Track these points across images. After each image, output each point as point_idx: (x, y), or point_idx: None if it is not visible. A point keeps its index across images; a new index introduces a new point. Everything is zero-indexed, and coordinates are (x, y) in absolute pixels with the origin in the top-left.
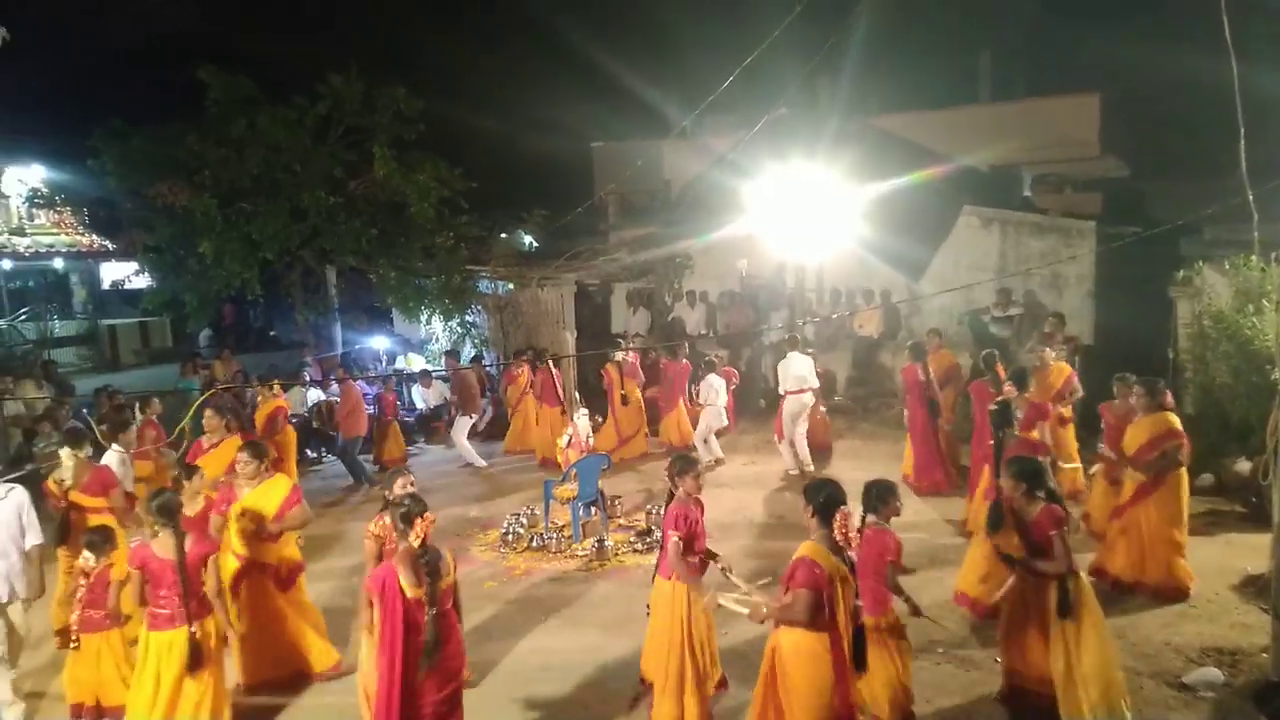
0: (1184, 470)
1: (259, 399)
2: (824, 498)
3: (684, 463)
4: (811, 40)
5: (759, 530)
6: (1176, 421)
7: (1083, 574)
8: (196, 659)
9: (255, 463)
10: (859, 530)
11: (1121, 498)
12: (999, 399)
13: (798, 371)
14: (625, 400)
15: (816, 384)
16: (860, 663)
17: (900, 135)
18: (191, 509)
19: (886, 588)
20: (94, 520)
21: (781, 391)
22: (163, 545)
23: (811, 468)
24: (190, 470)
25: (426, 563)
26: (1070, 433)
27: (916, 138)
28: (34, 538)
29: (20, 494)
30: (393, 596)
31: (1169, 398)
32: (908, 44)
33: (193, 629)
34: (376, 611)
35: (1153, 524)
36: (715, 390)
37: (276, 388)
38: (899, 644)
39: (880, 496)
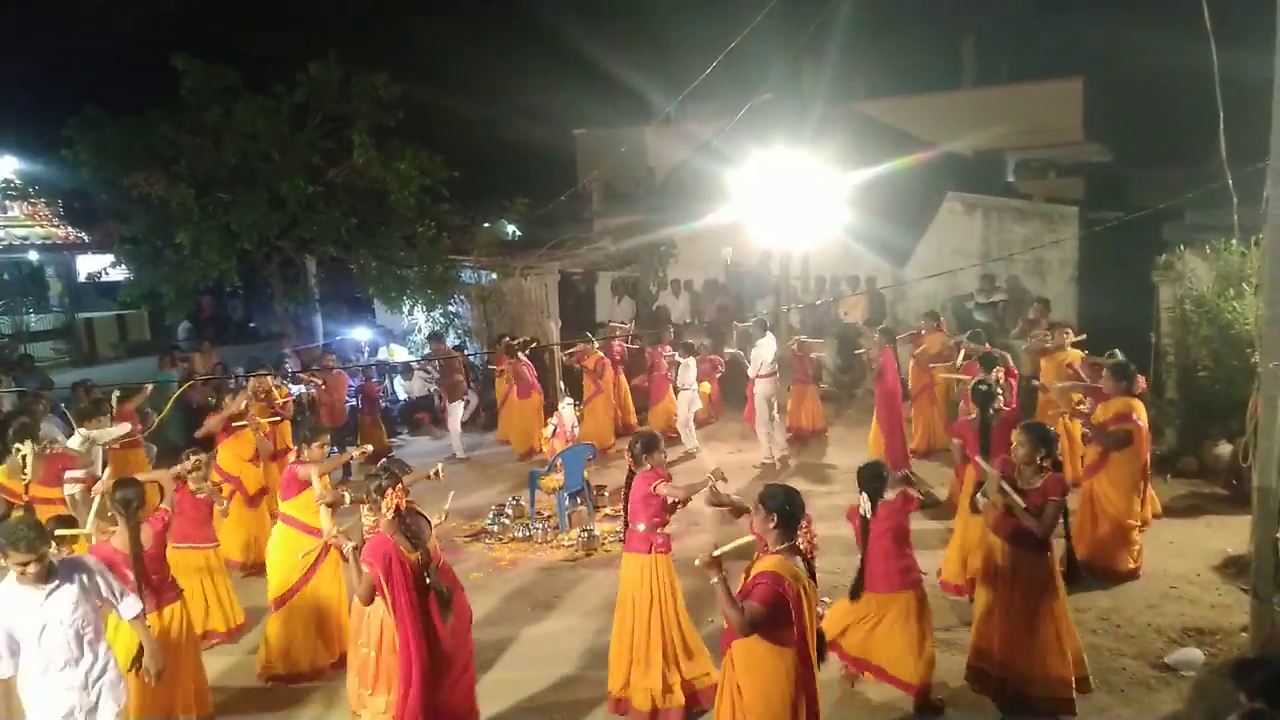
0: (1137, 453)
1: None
2: (787, 506)
3: (647, 440)
4: (795, 26)
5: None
6: (1137, 408)
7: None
8: (154, 653)
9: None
10: (870, 515)
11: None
12: (981, 378)
13: (768, 354)
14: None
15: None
16: (820, 657)
17: (884, 121)
18: (200, 491)
19: (908, 554)
20: (49, 512)
21: (751, 375)
22: (121, 541)
23: (787, 453)
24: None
25: (408, 528)
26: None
27: (900, 123)
28: (131, 605)
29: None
30: (400, 564)
31: (1139, 384)
32: (891, 29)
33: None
34: (385, 584)
35: (1102, 503)
36: (688, 373)
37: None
38: (926, 614)
39: (875, 476)
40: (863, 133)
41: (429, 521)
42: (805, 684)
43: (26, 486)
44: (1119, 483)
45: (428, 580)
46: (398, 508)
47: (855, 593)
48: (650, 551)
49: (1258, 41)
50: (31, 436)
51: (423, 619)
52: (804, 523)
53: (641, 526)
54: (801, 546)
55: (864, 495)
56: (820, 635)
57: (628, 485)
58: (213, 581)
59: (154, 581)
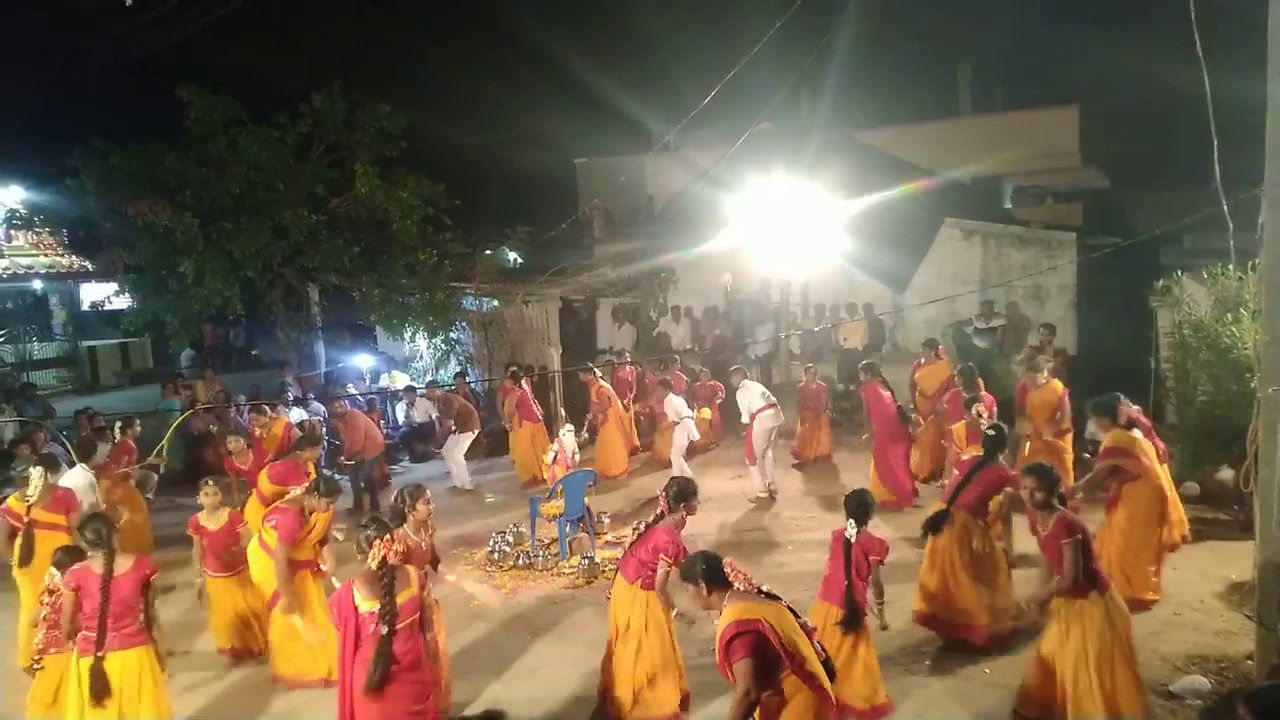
0: (1152, 487)
1: (254, 426)
2: (703, 566)
3: (684, 491)
4: (794, 55)
5: (743, 547)
6: (1124, 440)
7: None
8: (98, 687)
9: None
10: (854, 538)
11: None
12: (995, 423)
13: (757, 393)
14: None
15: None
16: (830, 674)
17: (882, 149)
18: (214, 522)
19: (866, 590)
20: (50, 538)
21: (747, 418)
22: (99, 567)
23: (775, 490)
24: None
25: (384, 580)
26: (1069, 446)
27: (898, 151)
28: None
29: None
30: (345, 611)
31: (1122, 413)
32: (888, 58)
33: (100, 655)
34: (335, 624)
35: (1120, 535)
36: (676, 407)
37: (269, 411)
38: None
39: (862, 504)
40: (861, 160)
41: (417, 577)
42: (822, 698)
43: (29, 509)
44: (1136, 515)
45: (381, 634)
46: (384, 559)
47: (855, 623)
48: (643, 586)
49: (1251, 67)
50: (55, 469)
51: (356, 667)
52: (726, 566)
53: (638, 559)
54: (739, 587)
55: (851, 520)
56: (829, 659)
57: (654, 521)
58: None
59: (117, 619)
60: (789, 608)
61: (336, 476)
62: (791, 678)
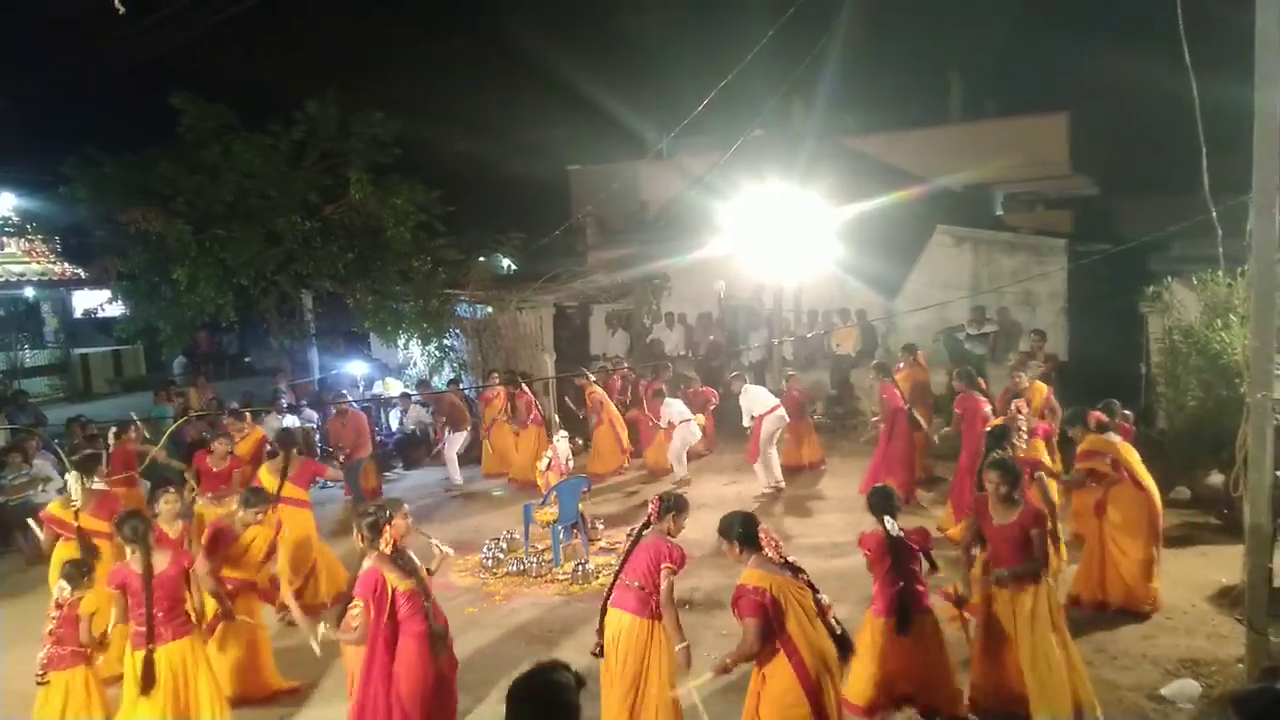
0: (1136, 489)
1: (233, 433)
2: (740, 527)
3: (676, 505)
4: (786, 63)
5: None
6: (1099, 444)
7: (1053, 583)
8: (149, 680)
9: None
10: (899, 534)
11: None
12: (998, 422)
13: (762, 394)
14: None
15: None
16: (845, 651)
17: (874, 156)
18: (171, 530)
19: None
20: (102, 545)
21: (750, 421)
22: (138, 564)
23: (783, 484)
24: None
25: (406, 559)
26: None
27: (890, 158)
28: None
29: None
30: (382, 591)
31: (1092, 417)
32: (880, 66)
33: (150, 648)
34: (372, 613)
35: (1110, 544)
36: (674, 411)
37: (249, 419)
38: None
39: (888, 497)
40: (853, 167)
41: (416, 558)
42: (801, 671)
43: (76, 514)
44: (1126, 522)
45: (425, 609)
46: (394, 542)
47: (906, 624)
48: (642, 618)
49: (1239, 74)
50: (90, 471)
51: (405, 641)
52: (762, 533)
53: (637, 584)
54: (769, 554)
55: (886, 518)
56: (844, 636)
57: (638, 536)
58: None
59: (166, 611)
60: (809, 584)
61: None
62: (775, 648)
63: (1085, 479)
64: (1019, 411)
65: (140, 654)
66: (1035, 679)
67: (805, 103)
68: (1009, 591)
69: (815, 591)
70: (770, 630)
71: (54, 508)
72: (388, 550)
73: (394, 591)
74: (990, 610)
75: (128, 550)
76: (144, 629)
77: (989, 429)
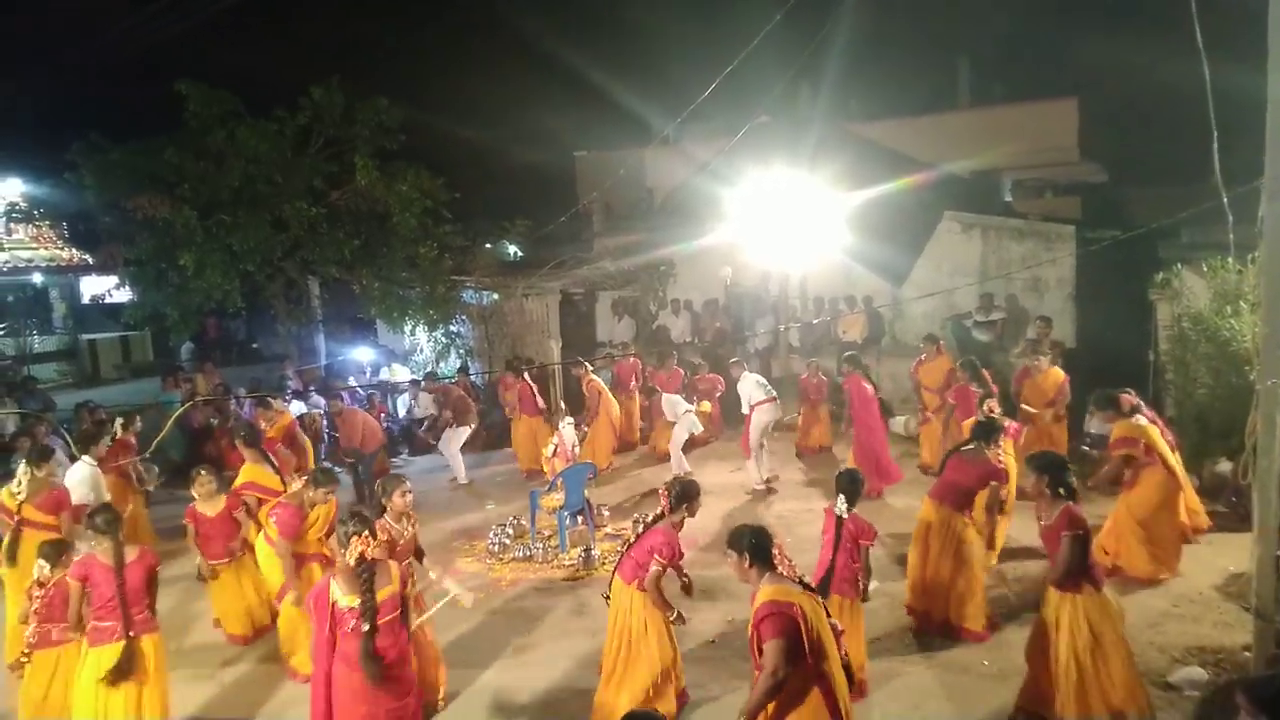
0: (1164, 470)
1: (260, 419)
2: (753, 541)
3: (687, 492)
4: (792, 48)
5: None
6: (1133, 429)
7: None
8: (126, 669)
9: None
10: (844, 514)
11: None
12: (985, 416)
13: (755, 385)
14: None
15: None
16: (849, 680)
17: (881, 142)
18: (211, 508)
19: (859, 569)
20: (37, 537)
21: (747, 409)
22: (106, 556)
23: (775, 485)
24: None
25: (363, 576)
26: (1064, 434)
27: (897, 144)
28: None
29: None
30: (321, 605)
31: (1124, 402)
32: (887, 51)
33: (131, 635)
34: (311, 618)
35: (1131, 518)
36: (675, 404)
37: (276, 405)
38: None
39: (853, 481)
40: (860, 154)
41: (398, 573)
42: (830, 697)
43: (20, 506)
44: (1147, 496)
45: (363, 630)
46: (361, 555)
47: (825, 591)
48: (632, 585)
49: (1251, 59)
50: (43, 460)
51: (336, 663)
52: (775, 547)
53: (633, 557)
54: (781, 571)
55: (841, 498)
56: (848, 664)
57: (653, 521)
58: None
59: (137, 603)
60: (824, 606)
61: (336, 470)
62: (807, 673)
63: (1123, 467)
64: (990, 411)
65: (105, 649)
66: (1065, 686)
67: (812, 88)
68: (1054, 596)
69: (829, 615)
70: (798, 652)
71: (3, 495)
72: (351, 562)
73: (333, 605)
74: (1039, 614)
75: (92, 541)
76: (105, 625)
77: (977, 422)
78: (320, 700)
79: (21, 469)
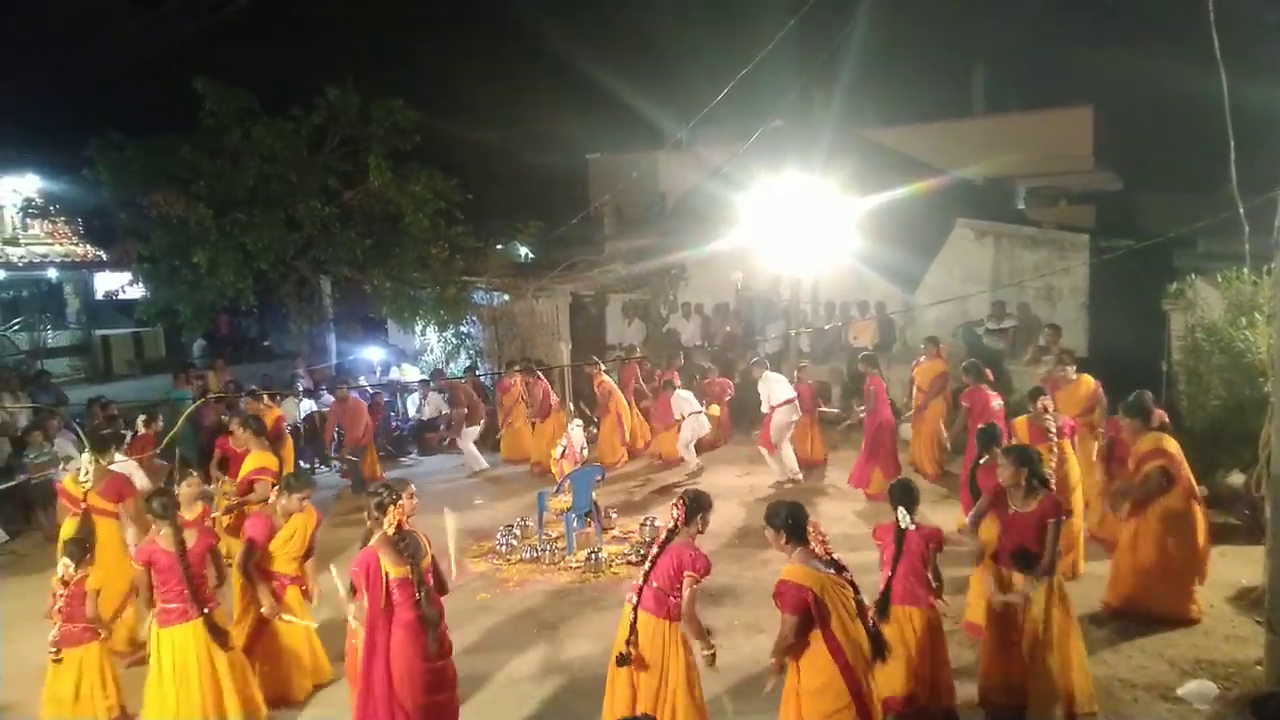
0: (1184, 489)
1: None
2: (789, 517)
3: (699, 504)
4: (806, 53)
5: (754, 542)
6: (1163, 441)
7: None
8: (219, 638)
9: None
10: (910, 528)
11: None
12: (990, 423)
13: (781, 383)
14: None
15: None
16: (879, 652)
17: (894, 148)
18: (190, 513)
19: (929, 578)
20: (105, 525)
21: (767, 409)
22: (167, 541)
23: (800, 476)
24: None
25: (405, 545)
26: (1096, 445)
27: (911, 150)
28: None
29: None
30: (375, 578)
31: (1155, 419)
32: (901, 57)
33: (206, 611)
34: (363, 590)
35: (1150, 543)
36: (685, 402)
37: (266, 399)
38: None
39: (909, 491)
40: (873, 159)
41: (428, 542)
42: (846, 670)
43: (85, 494)
44: (1169, 520)
45: (416, 597)
46: (399, 525)
47: (884, 612)
48: (665, 617)
49: (1270, 69)
50: (107, 448)
51: (390, 633)
52: (811, 527)
53: (655, 584)
54: (816, 550)
55: (901, 509)
56: (879, 635)
57: (666, 539)
58: None
59: (201, 583)
60: (850, 582)
61: (335, 468)
62: (824, 644)
63: (1158, 481)
64: (1045, 410)
65: (168, 631)
66: (1035, 673)
67: (825, 94)
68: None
69: (856, 591)
70: (807, 626)
71: (67, 482)
72: (390, 532)
73: (386, 577)
74: (1002, 603)
75: (154, 527)
76: (172, 606)
77: (979, 428)
78: (380, 669)
79: (86, 457)
